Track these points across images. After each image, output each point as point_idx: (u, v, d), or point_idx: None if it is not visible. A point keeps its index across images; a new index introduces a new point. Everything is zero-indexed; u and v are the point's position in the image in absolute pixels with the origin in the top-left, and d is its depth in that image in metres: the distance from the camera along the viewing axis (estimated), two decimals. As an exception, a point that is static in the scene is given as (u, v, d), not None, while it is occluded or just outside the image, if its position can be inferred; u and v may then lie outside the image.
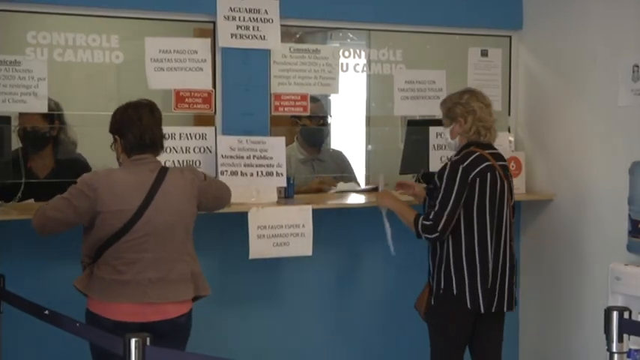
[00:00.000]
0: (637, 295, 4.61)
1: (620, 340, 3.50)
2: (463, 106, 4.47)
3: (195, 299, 4.12)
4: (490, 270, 4.39)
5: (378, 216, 4.78)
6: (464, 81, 5.63)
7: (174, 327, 4.01)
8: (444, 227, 4.32)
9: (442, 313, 4.48)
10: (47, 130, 4.99)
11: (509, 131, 5.82)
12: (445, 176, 4.36)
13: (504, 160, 4.57)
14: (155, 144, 4.05)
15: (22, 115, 4.88)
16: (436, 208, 4.34)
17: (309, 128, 5.76)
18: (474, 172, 4.35)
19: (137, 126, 3.99)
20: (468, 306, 4.37)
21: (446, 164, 4.43)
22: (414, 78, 5.53)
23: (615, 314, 3.51)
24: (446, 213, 4.31)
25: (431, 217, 4.33)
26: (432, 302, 4.49)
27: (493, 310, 4.43)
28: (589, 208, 5.38)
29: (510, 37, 5.82)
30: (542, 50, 5.69)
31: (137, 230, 3.90)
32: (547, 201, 5.63)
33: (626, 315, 3.51)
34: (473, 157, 4.39)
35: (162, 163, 4.12)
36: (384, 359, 5.48)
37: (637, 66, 5.04)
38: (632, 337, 3.61)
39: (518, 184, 5.58)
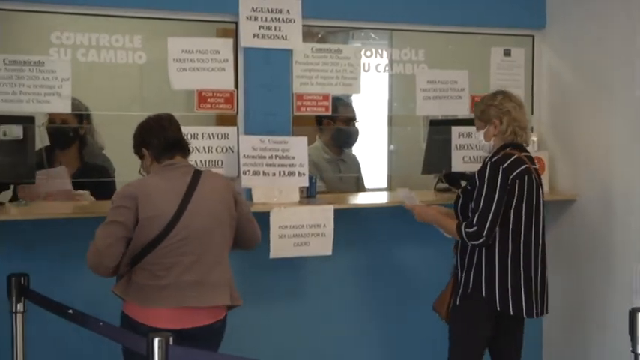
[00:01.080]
0: (662, 295, 4.61)
1: (646, 341, 3.50)
2: (497, 107, 4.44)
3: (228, 308, 4.11)
4: (522, 274, 4.36)
5: (399, 215, 4.76)
6: (486, 81, 5.64)
7: (210, 332, 4.01)
8: (489, 231, 4.27)
9: (468, 313, 4.44)
10: (73, 129, 5.03)
11: (532, 131, 5.78)
12: (486, 177, 4.32)
13: (536, 164, 4.54)
14: (181, 144, 4.05)
15: (49, 114, 4.92)
16: (479, 212, 4.29)
17: (341, 130, 5.75)
18: (514, 174, 4.32)
19: (161, 131, 4.01)
20: (498, 308, 4.34)
21: (485, 164, 4.39)
22: (436, 78, 5.53)
23: (640, 315, 3.51)
24: (490, 216, 4.27)
25: (474, 222, 4.28)
26: (457, 302, 4.47)
27: (525, 315, 4.41)
28: (613, 208, 5.35)
29: (533, 36, 5.81)
30: (566, 50, 5.67)
31: (175, 235, 3.88)
32: (570, 201, 5.61)
33: (650, 316, 3.50)
34: (512, 158, 4.35)
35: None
36: (404, 358, 5.48)
37: (662, 64, 5.03)
38: (657, 339, 3.61)
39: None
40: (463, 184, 5.16)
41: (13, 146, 4.59)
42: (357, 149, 6.08)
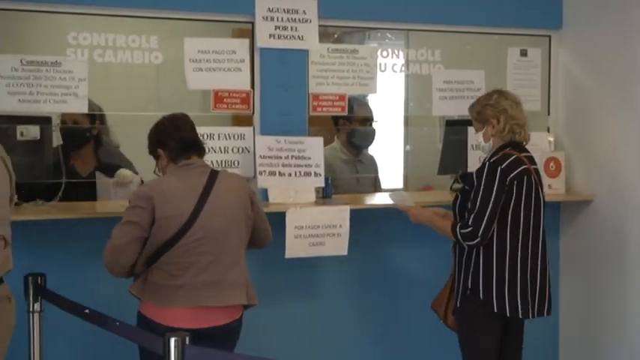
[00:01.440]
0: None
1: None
2: (493, 106, 4.39)
3: (244, 308, 4.11)
4: (519, 275, 4.30)
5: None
6: (503, 81, 5.62)
7: (226, 332, 4.01)
8: (485, 232, 4.23)
9: (469, 317, 4.41)
10: (87, 129, 5.05)
11: (548, 131, 5.79)
12: (484, 177, 4.27)
13: (536, 164, 4.49)
14: (197, 144, 4.05)
15: (63, 113, 4.94)
16: (475, 212, 4.25)
17: (357, 130, 5.75)
18: (512, 175, 4.26)
19: (176, 132, 4.01)
20: (495, 310, 4.30)
21: (484, 164, 4.35)
22: (452, 78, 5.52)
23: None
24: (486, 216, 4.22)
25: (470, 222, 4.25)
26: (458, 304, 4.44)
27: (520, 316, 4.35)
28: (629, 209, 5.34)
29: (550, 36, 5.80)
30: (582, 50, 5.65)
31: (192, 234, 3.88)
32: (586, 201, 5.59)
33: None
34: (511, 159, 4.30)
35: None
36: (417, 358, 5.47)
37: (678, 64, 5.01)
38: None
39: (558, 185, 5.57)
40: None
41: (31, 146, 4.62)
42: (373, 149, 6.09)
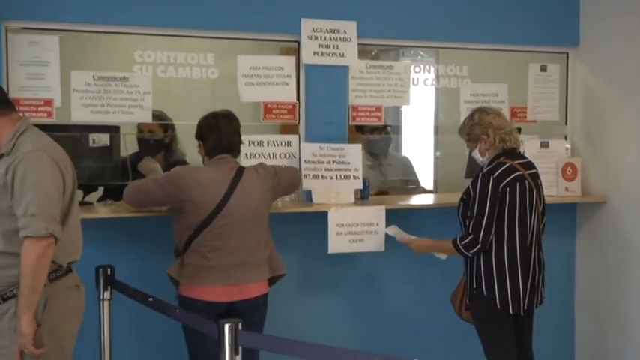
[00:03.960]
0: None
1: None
2: (479, 124, 4.35)
3: (273, 280, 4.24)
4: (520, 274, 4.26)
5: (445, 215, 4.71)
6: (524, 94, 5.59)
7: (254, 306, 4.14)
8: (485, 237, 4.20)
9: (479, 311, 4.37)
10: (162, 138, 5.09)
11: (565, 139, 5.72)
12: (478, 187, 4.23)
13: (535, 168, 4.42)
14: (231, 148, 4.18)
15: (140, 124, 4.98)
16: (473, 221, 4.22)
17: (369, 139, 5.73)
18: (504, 182, 4.22)
19: (216, 132, 4.14)
20: (498, 306, 4.26)
21: (478, 175, 4.31)
22: (478, 91, 5.48)
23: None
24: (484, 223, 4.19)
25: (470, 230, 4.23)
26: (468, 302, 4.40)
27: (522, 312, 4.29)
28: (640, 210, 5.27)
29: (567, 53, 5.72)
30: (598, 65, 5.57)
31: (219, 220, 4.03)
32: (601, 203, 5.51)
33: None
34: (503, 167, 4.25)
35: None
36: (446, 347, 5.42)
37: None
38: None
39: (574, 188, 5.50)
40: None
41: (101, 152, 4.66)
42: (407, 153, 6.06)
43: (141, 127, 5.05)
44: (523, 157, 4.44)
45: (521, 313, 4.31)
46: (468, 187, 4.35)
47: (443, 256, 4.55)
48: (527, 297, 4.30)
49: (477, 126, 4.36)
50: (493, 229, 4.23)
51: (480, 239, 4.21)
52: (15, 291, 3.35)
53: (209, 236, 4.04)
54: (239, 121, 4.24)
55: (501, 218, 4.24)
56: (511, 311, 4.27)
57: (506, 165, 4.27)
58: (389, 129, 5.84)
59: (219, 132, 4.14)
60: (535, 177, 4.39)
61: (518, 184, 4.26)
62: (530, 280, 4.32)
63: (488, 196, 4.21)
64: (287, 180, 4.38)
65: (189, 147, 4.70)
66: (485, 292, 4.29)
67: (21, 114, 3.68)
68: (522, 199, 4.27)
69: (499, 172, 4.24)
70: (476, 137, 4.38)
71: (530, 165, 4.40)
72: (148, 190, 4.14)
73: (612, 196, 5.46)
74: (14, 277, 3.33)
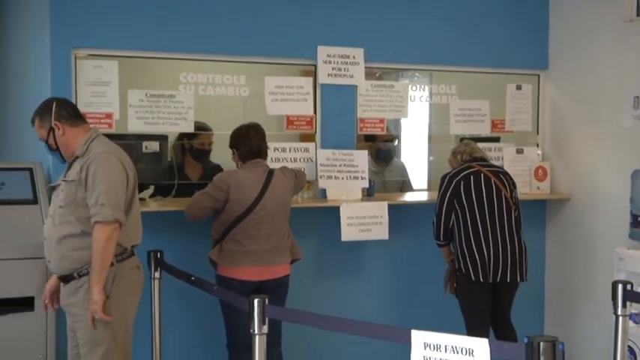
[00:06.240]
0: (637, 272, 4.55)
1: (624, 306, 3.51)
2: (451, 159, 4.64)
3: (293, 262, 4.29)
4: (484, 248, 4.33)
5: (432, 209, 4.69)
6: (503, 109, 5.60)
7: (281, 284, 4.20)
8: (444, 233, 4.43)
9: (460, 285, 4.49)
10: (207, 146, 5.13)
11: (537, 146, 5.73)
12: (439, 187, 4.46)
13: (497, 167, 4.61)
14: (261, 152, 4.25)
15: (184, 134, 4.99)
16: (435, 215, 4.42)
17: (379, 148, 5.74)
18: (458, 177, 4.40)
19: (247, 141, 4.20)
20: (472, 278, 4.35)
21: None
22: (465, 106, 5.50)
23: (620, 286, 3.53)
24: (441, 221, 4.41)
25: (434, 222, 4.44)
26: (455, 278, 4.53)
27: (491, 281, 4.34)
28: (600, 206, 5.29)
29: (539, 75, 5.73)
30: (564, 85, 5.60)
31: (255, 214, 4.09)
32: (566, 200, 5.54)
33: (628, 287, 3.53)
34: (460, 167, 4.46)
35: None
36: (437, 318, 5.39)
37: (637, 97, 4.95)
38: (634, 304, 3.64)
39: (545, 187, 5.54)
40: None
41: (152, 157, 4.68)
42: (405, 159, 6.07)
43: (188, 137, 5.05)
44: (492, 165, 4.59)
45: (490, 281, 4.35)
46: None
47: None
48: (495, 268, 4.35)
49: (451, 159, 4.65)
50: (452, 220, 4.37)
51: (440, 235, 4.45)
52: (88, 269, 3.43)
53: (246, 227, 4.08)
54: (264, 131, 4.29)
55: (461, 204, 4.37)
56: (481, 279, 4.34)
57: (464, 165, 4.46)
58: (396, 141, 5.86)
59: (250, 140, 4.20)
60: (497, 173, 4.48)
61: (472, 176, 4.40)
62: (502, 253, 4.35)
63: (441, 192, 4.42)
64: (301, 181, 4.47)
65: (224, 154, 4.71)
66: (462, 269, 4.40)
67: (90, 125, 3.75)
68: (478, 186, 4.38)
69: (454, 171, 4.46)
70: (450, 163, 4.63)
71: (492, 165, 4.57)
72: (199, 202, 4.17)
73: (576, 194, 5.49)
74: (88, 256, 3.41)
